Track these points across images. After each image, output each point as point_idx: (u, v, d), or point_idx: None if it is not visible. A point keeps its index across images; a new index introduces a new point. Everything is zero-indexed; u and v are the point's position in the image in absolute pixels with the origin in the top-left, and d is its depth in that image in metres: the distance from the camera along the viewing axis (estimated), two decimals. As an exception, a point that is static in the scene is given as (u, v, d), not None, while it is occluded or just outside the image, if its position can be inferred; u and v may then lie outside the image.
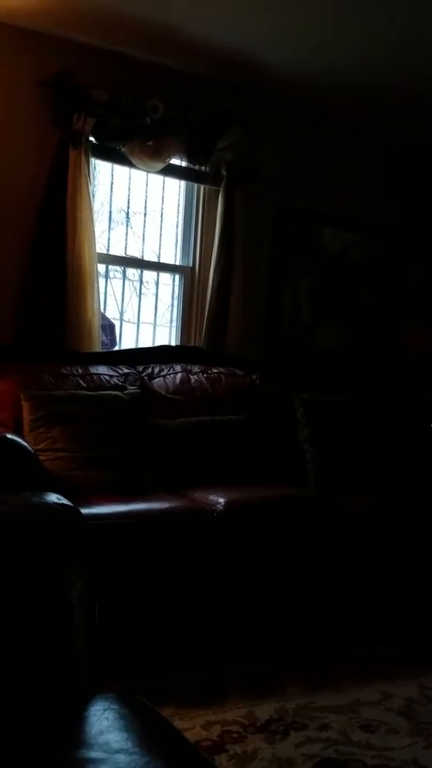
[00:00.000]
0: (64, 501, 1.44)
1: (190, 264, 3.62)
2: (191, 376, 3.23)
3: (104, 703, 1.27)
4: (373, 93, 3.52)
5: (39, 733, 1.19)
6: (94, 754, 1.12)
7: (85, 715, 1.23)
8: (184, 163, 3.47)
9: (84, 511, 1.59)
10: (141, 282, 3.62)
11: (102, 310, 3.35)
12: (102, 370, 3.03)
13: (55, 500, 1.43)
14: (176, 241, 3.65)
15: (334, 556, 2.68)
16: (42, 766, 1.11)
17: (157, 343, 3.58)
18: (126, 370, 3.11)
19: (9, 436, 2.26)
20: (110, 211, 3.53)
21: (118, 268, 3.57)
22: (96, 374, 2.98)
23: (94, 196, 3.24)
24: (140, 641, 2.29)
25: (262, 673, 2.39)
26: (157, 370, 3.20)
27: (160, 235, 3.63)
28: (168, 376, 3.19)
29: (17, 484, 2.04)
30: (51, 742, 1.17)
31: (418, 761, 1.95)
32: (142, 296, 3.62)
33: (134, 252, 3.58)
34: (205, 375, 3.26)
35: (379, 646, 2.66)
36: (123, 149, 3.23)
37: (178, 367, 3.25)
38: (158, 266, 3.63)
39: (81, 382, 2.90)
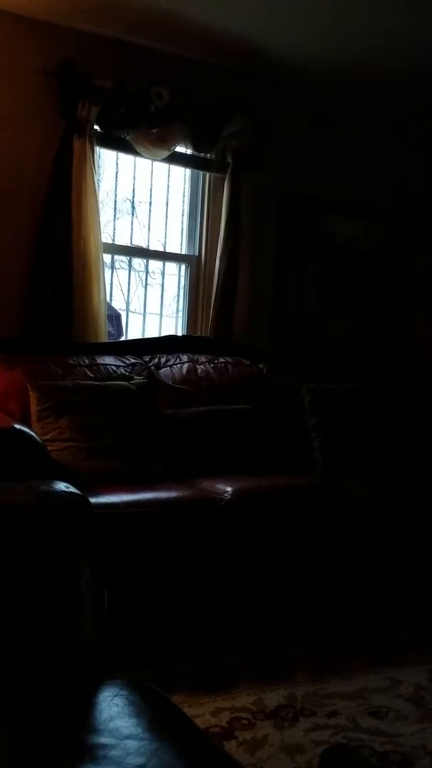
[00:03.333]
0: (73, 489, 1.44)
1: (196, 253, 3.61)
2: (198, 366, 3.22)
3: (114, 690, 1.27)
4: (380, 80, 3.48)
5: (49, 719, 1.20)
6: (104, 739, 1.13)
7: (95, 702, 1.24)
8: (189, 151, 3.44)
9: (92, 500, 1.59)
10: (147, 272, 3.61)
11: (108, 301, 3.35)
12: (109, 360, 3.03)
13: (64, 489, 1.43)
14: (182, 230, 3.64)
15: (342, 544, 2.68)
16: (52, 751, 1.12)
17: (164, 333, 3.57)
18: (133, 360, 3.10)
19: (17, 426, 2.26)
20: (115, 201, 3.51)
21: (123, 258, 3.56)
22: (103, 364, 2.98)
23: (99, 186, 3.23)
24: (149, 629, 2.31)
25: (271, 660, 2.40)
26: (163, 360, 3.19)
27: (166, 224, 3.61)
28: (175, 366, 3.18)
29: (25, 473, 2.05)
30: (61, 728, 1.18)
31: (427, 747, 1.95)
32: (148, 286, 3.62)
33: (140, 241, 3.57)
34: (211, 364, 3.26)
35: (388, 633, 2.66)
36: (128, 137, 3.21)
37: (184, 357, 3.24)
38: (164, 256, 3.61)
39: (88, 372, 2.90)
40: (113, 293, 3.53)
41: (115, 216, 3.52)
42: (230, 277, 3.47)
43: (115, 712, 1.21)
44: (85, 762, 1.07)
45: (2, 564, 1.29)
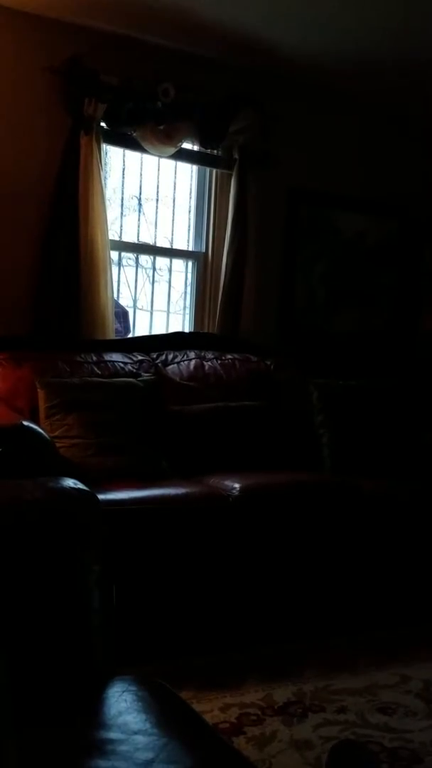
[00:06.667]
0: (81, 486, 1.44)
1: (203, 249, 3.60)
2: (205, 363, 3.22)
3: (123, 685, 1.28)
4: (386, 75, 3.46)
5: (58, 714, 1.21)
6: (113, 735, 1.13)
7: (104, 697, 1.25)
8: (196, 148, 3.44)
9: (100, 496, 1.59)
10: (154, 269, 3.62)
11: (115, 298, 3.35)
12: (116, 357, 3.03)
13: (72, 485, 1.43)
14: (189, 226, 3.63)
15: (350, 541, 2.67)
16: (62, 746, 1.12)
17: (171, 330, 3.57)
18: (140, 357, 3.11)
19: (25, 423, 2.27)
20: (122, 198, 3.51)
21: (131, 255, 3.56)
22: (110, 361, 2.98)
23: (106, 183, 3.23)
24: (158, 625, 2.31)
25: (280, 656, 2.40)
26: (171, 356, 3.20)
27: (173, 220, 3.61)
28: (182, 363, 3.18)
29: (34, 470, 2.05)
30: (70, 724, 1.18)
31: (437, 743, 1.95)
32: (155, 283, 3.62)
33: (147, 238, 3.57)
34: (219, 361, 3.26)
35: (397, 630, 2.66)
36: (135, 134, 3.21)
37: (191, 354, 3.24)
38: (171, 252, 3.61)
39: (95, 369, 2.91)
40: (120, 290, 3.53)
41: (122, 213, 3.52)
42: (237, 273, 3.47)
43: (123, 707, 1.21)
44: (93, 757, 1.08)
45: (12, 560, 1.29)
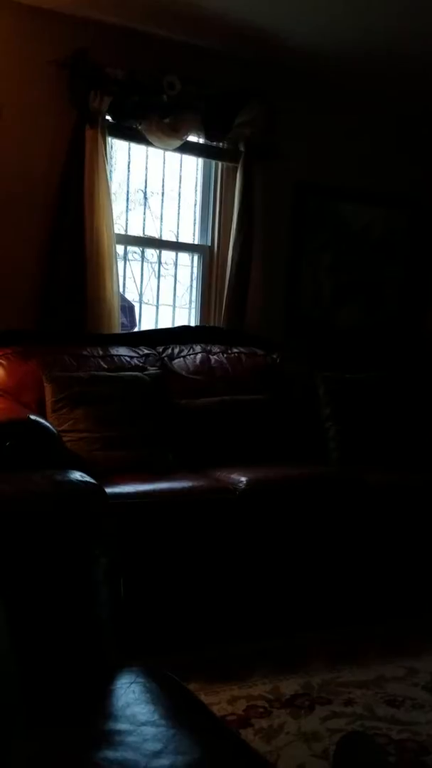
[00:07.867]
0: (88, 479, 1.45)
1: (209, 243, 3.59)
2: (211, 357, 3.22)
3: (131, 677, 1.28)
4: (392, 65, 3.43)
5: (67, 706, 1.21)
6: (121, 726, 1.14)
7: (112, 689, 1.25)
8: (201, 140, 3.43)
9: (107, 490, 1.60)
10: (159, 263, 3.61)
11: (121, 292, 3.35)
12: (122, 351, 3.03)
13: (79, 478, 1.44)
14: (194, 220, 3.63)
15: (357, 533, 2.67)
16: (70, 737, 1.13)
17: (177, 324, 3.57)
18: (146, 351, 3.11)
19: (32, 417, 2.27)
20: (128, 192, 3.51)
21: (136, 248, 3.56)
22: (117, 355, 2.99)
23: (111, 176, 3.23)
24: (165, 617, 2.32)
25: (287, 648, 2.41)
26: (177, 350, 3.20)
27: (178, 214, 3.60)
28: (188, 357, 3.18)
29: (41, 464, 2.06)
30: (79, 714, 1.19)
31: (444, 736, 1.95)
32: (161, 277, 3.61)
33: (152, 232, 3.57)
34: (225, 355, 3.25)
35: (404, 622, 2.66)
36: (140, 127, 3.20)
37: (198, 348, 3.24)
38: (177, 246, 3.61)
39: (102, 363, 2.91)
40: (126, 284, 3.53)
41: (127, 207, 3.52)
42: (243, 266, 3.46)
43: (132, 698, 1.22)
44: (102, 748, 1.08)
45: (20, 553, 1.30)
